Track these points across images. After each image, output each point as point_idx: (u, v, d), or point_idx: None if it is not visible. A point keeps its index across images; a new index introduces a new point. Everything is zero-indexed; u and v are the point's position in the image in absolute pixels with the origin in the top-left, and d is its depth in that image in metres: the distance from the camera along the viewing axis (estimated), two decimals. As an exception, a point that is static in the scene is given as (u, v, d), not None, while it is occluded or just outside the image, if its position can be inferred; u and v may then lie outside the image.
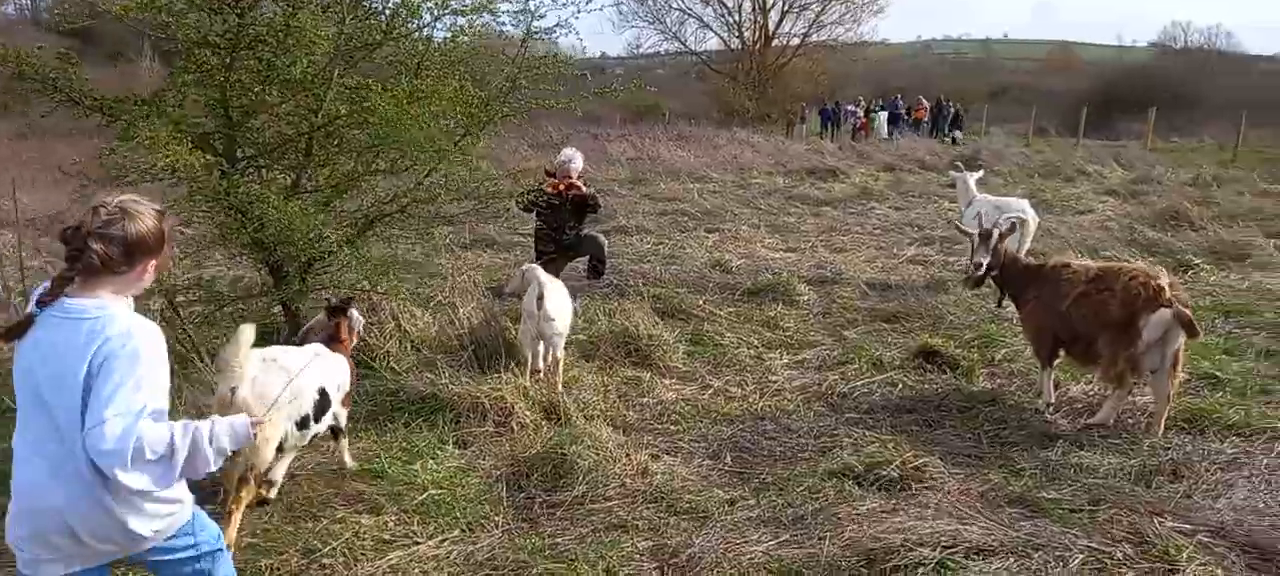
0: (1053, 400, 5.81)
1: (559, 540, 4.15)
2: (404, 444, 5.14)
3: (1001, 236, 6.30)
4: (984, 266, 6.18)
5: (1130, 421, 5.55)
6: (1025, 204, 9.11)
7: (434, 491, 4.55)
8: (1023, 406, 5.90)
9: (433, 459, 4.94)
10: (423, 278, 8.29)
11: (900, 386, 6.30)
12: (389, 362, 6.32)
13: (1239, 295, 8.81)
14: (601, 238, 9.47)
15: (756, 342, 7.61)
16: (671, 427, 5.63)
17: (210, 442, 2.36)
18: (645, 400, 6.11)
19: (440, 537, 4.13)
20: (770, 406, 6.05)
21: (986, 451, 5.20)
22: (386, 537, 4.11)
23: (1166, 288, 5.15)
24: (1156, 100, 33.71)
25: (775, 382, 6.57)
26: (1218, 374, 6.29)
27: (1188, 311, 5.07)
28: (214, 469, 2.41)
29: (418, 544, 4.05)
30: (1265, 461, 4.88)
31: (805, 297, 8.96)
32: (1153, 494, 4.50)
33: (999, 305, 6.37)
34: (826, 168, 21.20)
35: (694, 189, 17.45)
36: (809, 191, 17.56)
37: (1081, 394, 6.02)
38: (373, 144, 5.98)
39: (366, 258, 5.98)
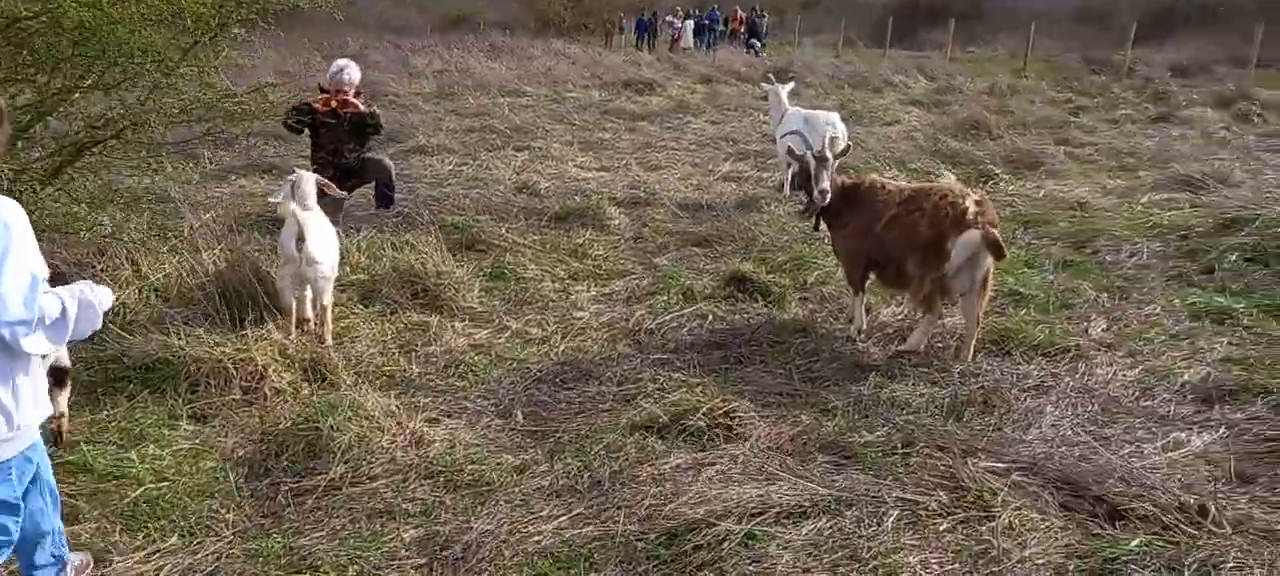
0: (864, 326, 5.55)
1: (304, 539, 3.44)
2: (124, 424, 4.24)
3: (837, 158, 5.94)
4: (828, 195, 5.80)
5: (940, 346, 5.35)
6: (835, 116, 8.89)
7: (151, 486, 3.72)
8: (834, 335, 5.61)
9: (156, 442, 4.07)
10: (169, 214, 7.11)
11: (710, 318, 5.87)
12: (124, 317, 5.28)
13: (1036, 205, 8.97)
14: (387, 161, 8.50)
15: (562, 274, 7.02)
16: (458, 383, 4.96)
17: (97, 303, 2.56)
18: (431, 349, 5.40)
19: (150, 550, 3.33)
20: (572, 349, 5.49)
21: (798, 388, 4.85)
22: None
23: (973, 208, 4.91)
24: (956, 11, 35.12)
25: (580, 320, 6.01)
26: (1021, 289, 6.24)
27: (995, 232, 4.85)
28: (99, 326, 2.60)
29: (114, 561, 3.24)
30: (1070, 382, 4.78)
31: (616, 222, 8.41)
32: (965, 428, 4.27)
33: (815, 230, 6.02)
34: (643, 80, 20.63)
35: (504, 104, 16.48)
36: (625, 105, 16.96)
37: (892, 318, 5.79)
38: (76, 55, 4.84)
39: (77, 194, 4.88)
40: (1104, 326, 5.53)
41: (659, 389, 4.71)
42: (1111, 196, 9.33)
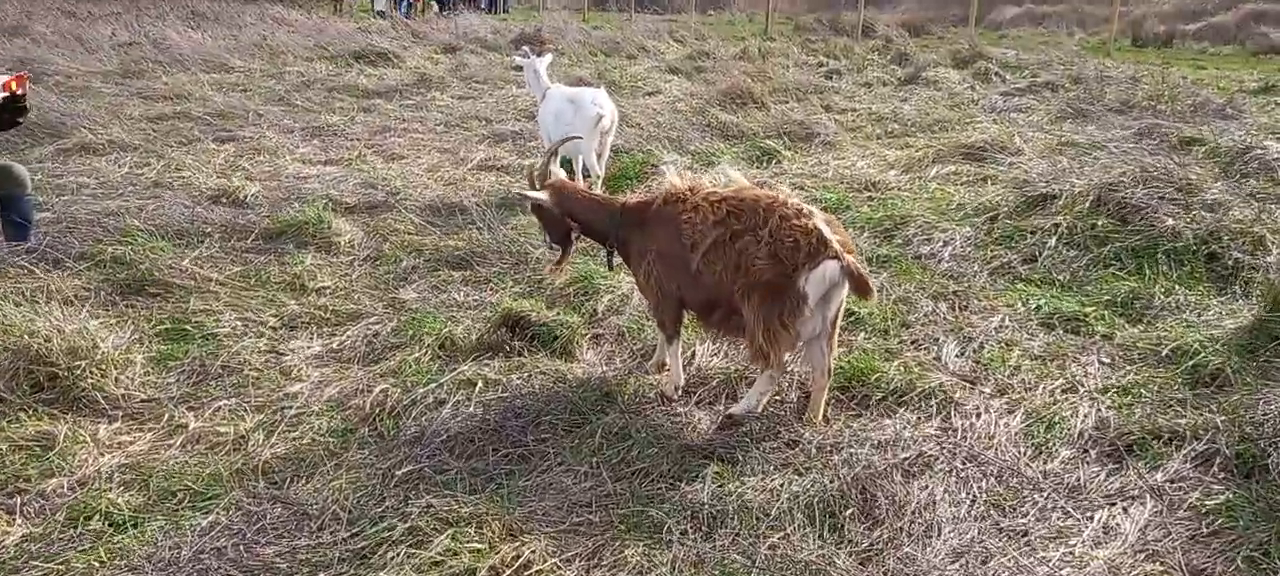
0: (681, 382, 4.28)
1: None
2: None
3: (546, 164, 4.61)
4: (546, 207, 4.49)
5: (777, 399, 4.17)
6: (602, 94, 7.59)
7: None
8: (645, 398, 4.30)
9: None
10: None
11: (480, 386, 4.36)
12: None
13: (827, 185, 8.14)
14: (20, 170, 6.17)
15: (272, 323, 5.23)
16: (85, 559, 3.15)
17: None
18: (51, 486, 3.52)
19: None
20: (282, 459, 3.81)
21: (612, 497, 3.49)
22: None
23: (826, 230, 3.74)
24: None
25: (296, 401, 4.30)
26: (849, 304, 5.21)
27: (858, 264, 3.70)
28: None
29: None
30: (951, 448, 3.73)
31: (347, 237, 6.63)
32: (850, 549, 3.08)
33: (610, 267, 4.66)
34: (378, 51, 18.32)
35: (206, 82, 13.80)
36: (357, 81, 14.76)
37: (714, 360, 4.55)
38: None
39: None
40: (957, 351, 4.59)
41: (413, 533, 3.16)
42: (897, 171, 8.69)
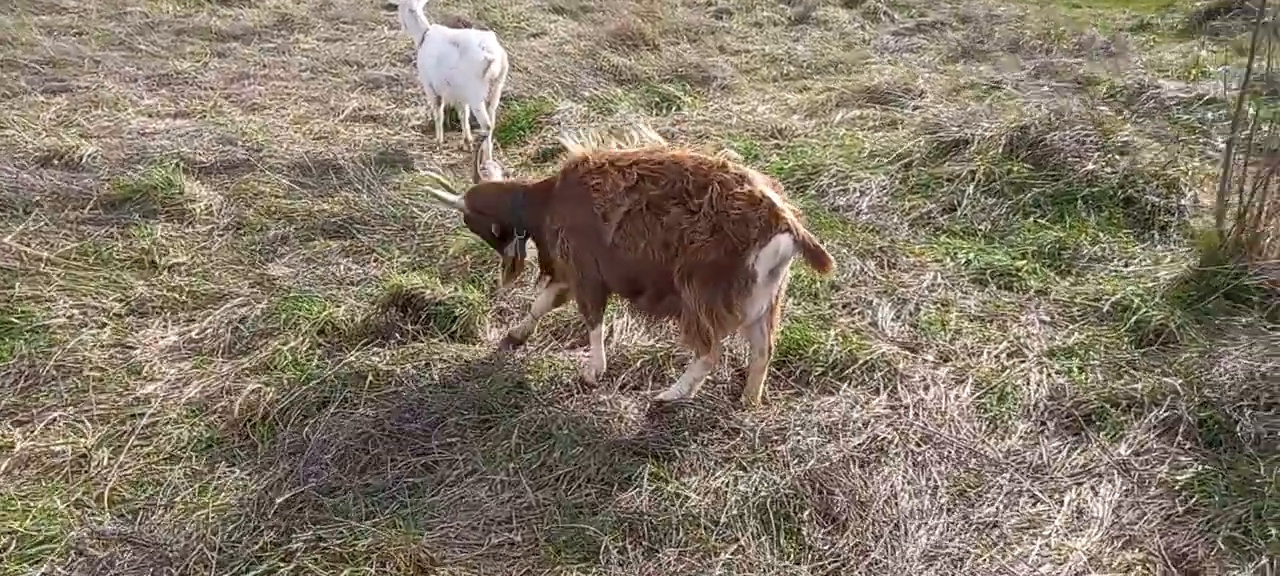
0: (604, 366, 3.82)
1: None
2: None
3: (480, 156, 4.14)
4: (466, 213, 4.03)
5: (711, 387, 3.76)
6: (489, 38, 6.92)
7: None
8: (562, 385, 3.82)
9: None
10: None
11: (371, 380, 3.78)
12: None
13: (731, 133, 7.74)
14: None
15: (117, 309, 4.50)
16: None
17: None
18: None
19: None
20: (133, 482, 3.18)
21: (536, 510, 3.02)
22: None
23: (774, 197, 3.31)
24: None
25: (147, 408, 3.65)
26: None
27: (812, 236, 3.29)
28: None
29: None
30: (904, 428, 3.42)
31: (203, 203, 5.84)
32: (814, 567, 2.72)
33: (506, 275, 4.16)
34: (232, -12, 16.82)
35: (33, 24, 12.26)
36: (210, 22, 13.40)
37: (637, 341, 4.11)
38: None
39: None
40: (892, 315, 4.28)
41: (294, 571, 2.61)
42: (800, 116, 8.37)
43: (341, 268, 4.96)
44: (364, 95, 9.26)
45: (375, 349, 4.04)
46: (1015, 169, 6.01)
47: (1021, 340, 3.99)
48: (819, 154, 6.87)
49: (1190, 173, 5.78)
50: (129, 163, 6.65)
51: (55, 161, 6.62)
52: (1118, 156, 5.99)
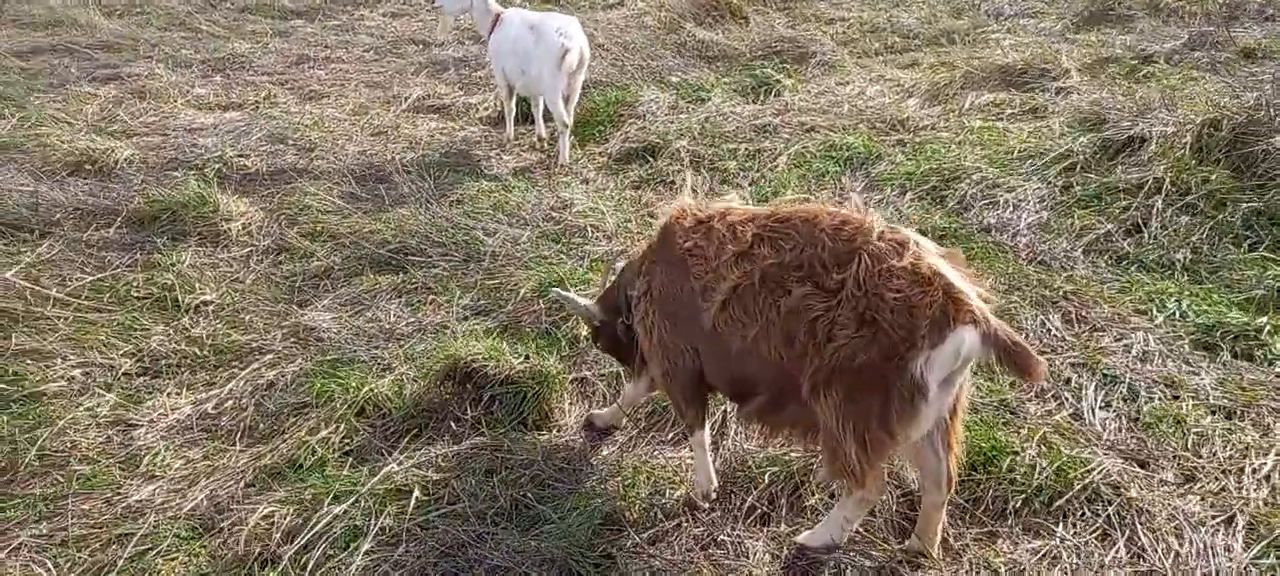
0: (715, 486, 2.88)
1: None
2: None
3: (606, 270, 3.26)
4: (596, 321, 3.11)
5: (870, 524, 2.78)
6: (571, 24, 5.97)
7: None
8: (663, 498, 2.88)
9: None
10: None
11: (414, 497, 2.90)
12: None
13: (844, 124, 6.62)
14: None
15: (125, 365, 3.74)
16: None
17: None
18: None
19: None
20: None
21: None
22: None
23: (956, 278, 2.30)
24: None
25: (138, 523, 2.85)
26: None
27: (1010, 330, 2.27)
28: None
29: None
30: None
31: (241, 221, 5.07)
32: None
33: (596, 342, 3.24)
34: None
35: (94, 3, 11.75)
36: (274, -3, 12.77)
37: (764, 447, 3.14)
38: None
39: None
40: (1100, 403, 3.22)
41: None
42: (919, 101, 7.22)
43: (391, 314, 4.10)
44: (429, 80, 8.42)
45: (426, 441, 3.17)
46: (1212, 177, 4.83)
47: (1290, 448, 2.91)
48: (954, 153, 5.77)
49: None
50: (166, 168, 5.95)
51: (86, 167, 5.95)
52: (1349, 162, 4.76)
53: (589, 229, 4.87)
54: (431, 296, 4.23)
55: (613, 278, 3.23)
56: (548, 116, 6.32)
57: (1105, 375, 3.32)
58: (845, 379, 2.33)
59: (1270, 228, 4.44)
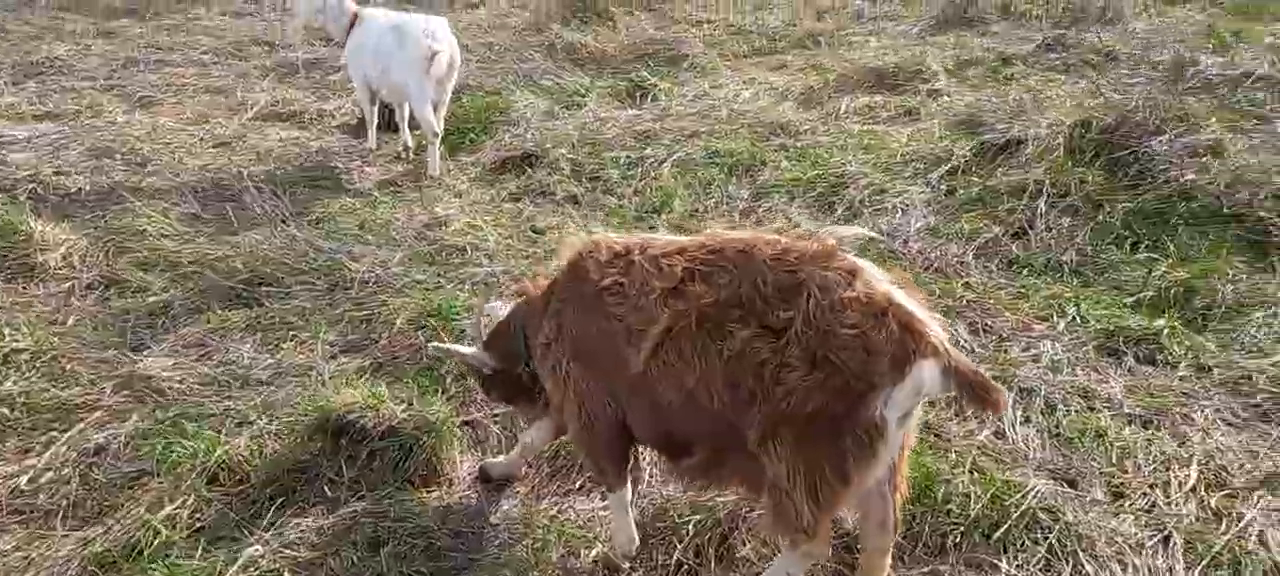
0: (635, 539, 2.59)
1: None
2: None
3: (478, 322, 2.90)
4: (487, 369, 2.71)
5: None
6: (438, 25, 5.53)
7: None
8: (577, 561, 2.57)
9: None
10: None
11: (288, 569, 2.50)
12: None
13: (726, 130, 6.44)
14: None
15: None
16: None
17: None
18: None
19: None
20: None
21: None
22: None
23: (914, 308, 2.09)
24: None
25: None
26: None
27: (967, 363, 2.09)
28: None
29: None
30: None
31: (60, 250, 4.42)
32: None
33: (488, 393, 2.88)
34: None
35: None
36: (92, -4, 11.60)
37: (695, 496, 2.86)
38: None
39: None
40: (1021, 419, 3.11)
41: None
42: (796, 105, 7.14)
43: (244, 357, 3.60)
44: (277, 84, 7.77)
45: (295, 511, 2.74)
46: (1088, 178, 4.90)
47: (1212, 458, 2.86)
48: (837, 158, 5.70)
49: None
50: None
51: None
52: (1211, 160, 4.92)
53: (468, 248, 4.49)
54: (292, 333, 3.75)
55: (489, 318, 2.91)
56: (414, 124, 5.87)
57: (1022, 388, 3.22)
58: (796, 426, 2.09)
59: (1147, 227, 4.52)
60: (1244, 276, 3.99)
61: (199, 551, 2.60)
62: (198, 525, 2.74)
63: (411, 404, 3.09)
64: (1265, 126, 5.62)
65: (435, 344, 2.99)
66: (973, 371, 2.05)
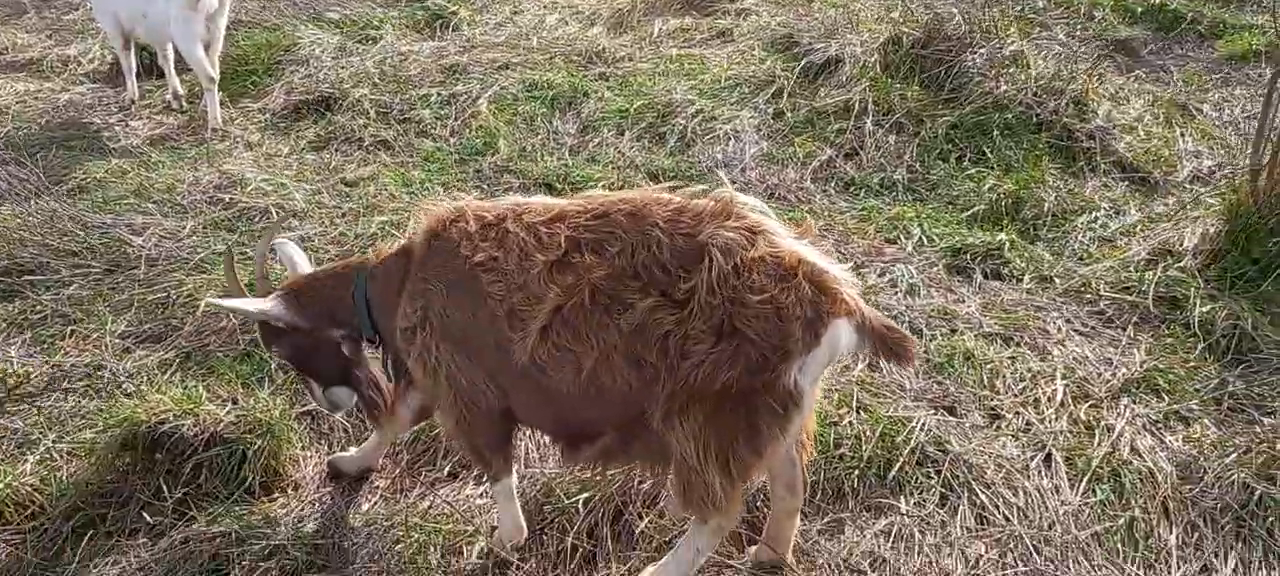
0: (523, 528, 2.33)
1: None
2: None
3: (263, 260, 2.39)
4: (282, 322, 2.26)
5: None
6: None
7: None
8: (457, 562, 2.30)
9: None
10: None
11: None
12: None
13: (544, 64, 6.07)
14: None
15: None
16: None
17: None
18: None
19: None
20: None
21: None
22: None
23: (821, 262, 1.94)
24: None
25: None
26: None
27: (879, 316, 1.97)
28: None
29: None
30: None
31: None
32: None
33: (393, 379, 2.43)
34: None
35: None
36: None
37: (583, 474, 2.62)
38: None
39: None
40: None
41: None
42: (604, 28, 6.85)
43: (13, 361, 2.98)
44: (2, 28, 6.60)
45: (111, 548, 2.28)
46: (908, 94, 4.99)
47: (1073, 370, 2.95)
48: (660, 85, 5.50)
49: (1087, 86, 5.01)
50: None
51: None
52: (1015, 71, 5.13)
53: (271, 210, 3.96)
54: (71, 327, 3.15)
55: (278, 262, 2.50)
56: (183, 68, 5.12)
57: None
58: (706, 403, 1.90)
59: (968, 140, 4.65)
60: (1062, 184, 4.18)
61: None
62: (-21, 579, 2.23)
63: (235, 401, 2.65)
64: (1048, 33, 5.94)
65: (212, 298, 2.50)
66: (885, 325, 1.94)
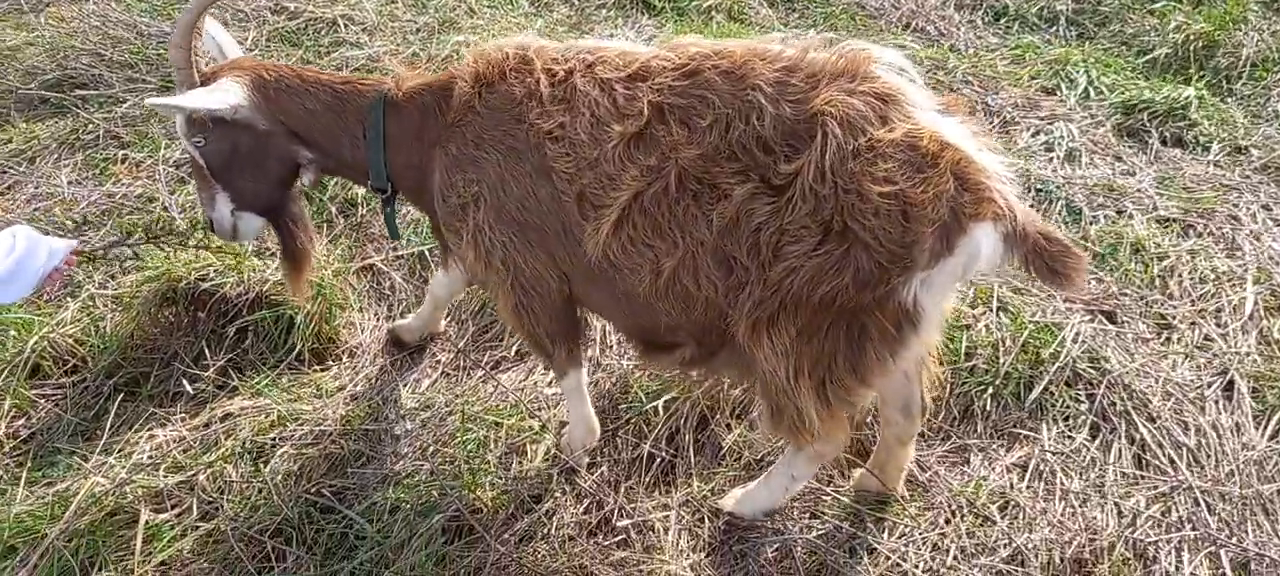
0: (597, 429, 2.04)
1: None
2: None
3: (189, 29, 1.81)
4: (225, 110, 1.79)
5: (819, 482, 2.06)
6: None
7: None
8: (526, 458, 2.03)
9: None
10: None
11: (146, 504, 1.90)
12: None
13: None
14: None
15: None
16: None
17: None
18: None
19: None
20: None
21: None
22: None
23: (968, 147, 1.47)
24: None
25: None
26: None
27: (1040, 224, 1.50)
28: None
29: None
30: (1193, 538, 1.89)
31: None
32: None
33: (393, 235, 2.07)
34: None
35: None
36: None
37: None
38: None
39: None
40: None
41: None
42: None
43: (64, 183, 2.78)
44: None
45: (148, 416, 2.10)
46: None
47: (1269, 273, 2.42)
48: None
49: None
50: None
51: None
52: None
53: (339, 22, 3.57)
54: (123, 151, 2.91)
55: (212, 46, 1.95)
56: None
57: (1040, 190, 2.69)
58: (800, 315, 1.52)
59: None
60: (1266, 23, 3.44)
61: (22, 483, 1.95)
62: (21, 440, 2.08)
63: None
64: None
65: (153, 99, 1.90)
66: (1044, 235, 1.49)
